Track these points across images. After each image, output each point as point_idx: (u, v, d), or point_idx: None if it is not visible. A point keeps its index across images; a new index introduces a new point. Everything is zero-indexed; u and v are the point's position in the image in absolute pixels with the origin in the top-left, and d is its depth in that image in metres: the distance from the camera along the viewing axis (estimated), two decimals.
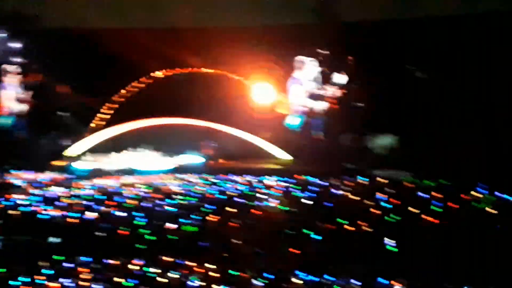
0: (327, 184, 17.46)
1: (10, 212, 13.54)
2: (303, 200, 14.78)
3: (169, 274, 9.27)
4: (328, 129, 22.26)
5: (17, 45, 26.90)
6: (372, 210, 13.33)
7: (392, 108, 21.92)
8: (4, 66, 25.84)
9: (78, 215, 13.20)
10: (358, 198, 14.86)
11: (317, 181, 17.90)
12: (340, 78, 21.92)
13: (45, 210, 13.77)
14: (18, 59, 26.38)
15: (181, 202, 14.96)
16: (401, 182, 17.46)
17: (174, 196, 15.76)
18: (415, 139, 21.28)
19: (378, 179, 17.95)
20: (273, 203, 14.78)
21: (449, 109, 21.73)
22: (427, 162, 18.71)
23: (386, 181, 17.51)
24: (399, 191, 15.63)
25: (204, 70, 26.95)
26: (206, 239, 11.17)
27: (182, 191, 16.76)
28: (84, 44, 27.10)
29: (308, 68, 22.17)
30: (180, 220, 12.65)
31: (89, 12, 28.50)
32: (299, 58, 22.19)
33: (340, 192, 16.16)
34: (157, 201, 15.00)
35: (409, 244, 10.69)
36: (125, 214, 13.41)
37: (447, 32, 23.44)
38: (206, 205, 14.17)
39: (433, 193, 14.74)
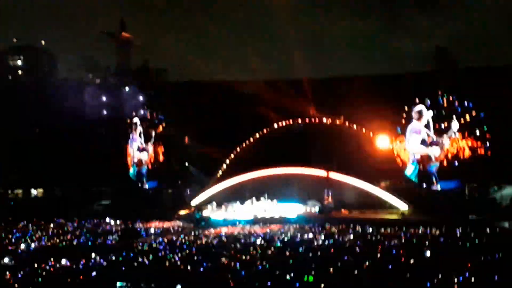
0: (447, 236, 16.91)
1: (139, 260, 14.41)
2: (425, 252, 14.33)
3: None
4: (450, 178, 21.61)
5: (145, 97, 28.88)
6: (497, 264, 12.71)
7: None
8: (134, 119, 27.73)
9: (204, 263, 13.77)
10: (483, 251, 14.16)
11: (437, 232, 17.42)
12: (459, 126, 21.31)
13: (172, 257, 14.52)
14: (147, 111, 28.28)
15: (301, 251, 15.14)
16: None
17: (294, 246, 16.00)
18: None
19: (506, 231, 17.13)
20: (390, 254, 14.56)
21: None
22: None
23: None
24: None
25: (324, 120, 27.39)
26: None
27: (301, 241, 16.99)
28: (209, 96, 28.58)
29: (425, 117, 21.81)
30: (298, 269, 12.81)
31: (215, 65, 30.19)
32: (418, 107, 21.93)
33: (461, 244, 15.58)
34: (277, 251, 15.31)
35: None
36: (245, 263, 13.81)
37: None
38: (322, 255, 14.30)
39: None
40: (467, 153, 21.23)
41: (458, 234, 17.05)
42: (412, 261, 13.50)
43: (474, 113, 21.51)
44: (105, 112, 29.40)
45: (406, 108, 22.41)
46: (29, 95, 32.34)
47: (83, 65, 33.78)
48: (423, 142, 21.64)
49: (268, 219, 22.60)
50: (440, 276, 11.61)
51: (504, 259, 13.10)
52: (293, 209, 23.76)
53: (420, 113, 21.54)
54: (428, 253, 14.15)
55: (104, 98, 29.38)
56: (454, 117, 21.34)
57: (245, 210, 24.03)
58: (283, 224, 20.96)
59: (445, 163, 21.45)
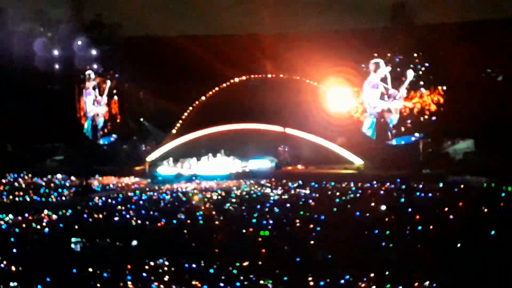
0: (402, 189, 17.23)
1: (93, 215, 14.23)
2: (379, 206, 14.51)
3: (242, 278, 9.46)
4: (403, 133, 21.86)
5: (99, 52, 28.09)
6: (450, 216, 12.96)
7: (469, 112, 21.07)
8: (87, 72, 27.12)
9: (159, 219, 13.68)
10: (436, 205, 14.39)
11: (392, 186, 17.74)
12: (415, 81, 21.50)
13: (126, 213, 14.38)
14: (101, 66, 27.60)
15: (254, 206, 15.18)
16: (482, 188, 16.90)
17: (248, 201, 16.07)
18: (495, 144, 20.35)
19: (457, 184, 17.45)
20: (346, 209, 14.72)
21: None
22: (508, 167, 17.83)
23: (466, 187, 16.99)
24: (480, 198, 15.13)
25: (280, 75, 27.22)
26: (278, 243, 11.30)
27: (255, 196, 17.07)
28: (165, 51, 27.91)
29: (383, 71, 21.90)
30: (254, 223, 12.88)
31: (170, 20, 29.25)
32: (375, 60, 21.99)
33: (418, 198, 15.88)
34: (232, 206, 15.34)
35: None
36: (201, 218, 13.80)
37: None
38: (277, 209, 14.39)
39: None
40: (422, 107, 21.48)
41: (412, 188, 17.37)
42: (367, 214, 13.72)
43: (429, 69, 21.72)
44: (57, 66, 28.34)
45: (363, 63, 22.40)
46: None
47: (32, 18, 32.18)
48: (381, 95, 21.75)
49: (222, 175, 22.49)
50: (394, 230, 11.83)
51: (456, 212, 13.39)
52: (251, 164, 23.72)
53: (377, 65, 21.54)
54: (383, 208, 14.37)
55: (55, 52, 28.25)
56: (410, 69, 21.52)
57: (200, 166, 23.79)
58: (236, 180, 21.07)
59: (401, 117, 21.69)
